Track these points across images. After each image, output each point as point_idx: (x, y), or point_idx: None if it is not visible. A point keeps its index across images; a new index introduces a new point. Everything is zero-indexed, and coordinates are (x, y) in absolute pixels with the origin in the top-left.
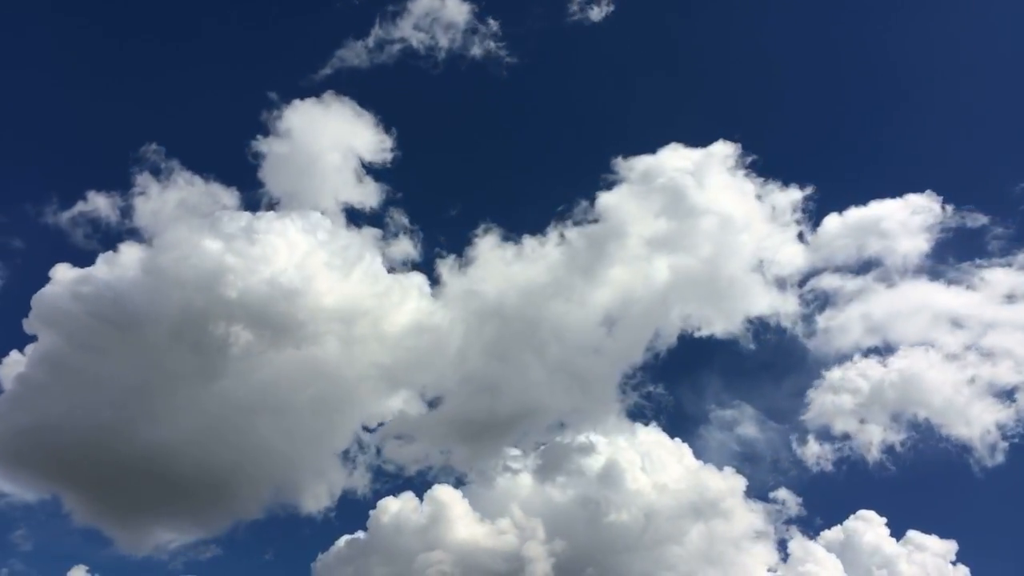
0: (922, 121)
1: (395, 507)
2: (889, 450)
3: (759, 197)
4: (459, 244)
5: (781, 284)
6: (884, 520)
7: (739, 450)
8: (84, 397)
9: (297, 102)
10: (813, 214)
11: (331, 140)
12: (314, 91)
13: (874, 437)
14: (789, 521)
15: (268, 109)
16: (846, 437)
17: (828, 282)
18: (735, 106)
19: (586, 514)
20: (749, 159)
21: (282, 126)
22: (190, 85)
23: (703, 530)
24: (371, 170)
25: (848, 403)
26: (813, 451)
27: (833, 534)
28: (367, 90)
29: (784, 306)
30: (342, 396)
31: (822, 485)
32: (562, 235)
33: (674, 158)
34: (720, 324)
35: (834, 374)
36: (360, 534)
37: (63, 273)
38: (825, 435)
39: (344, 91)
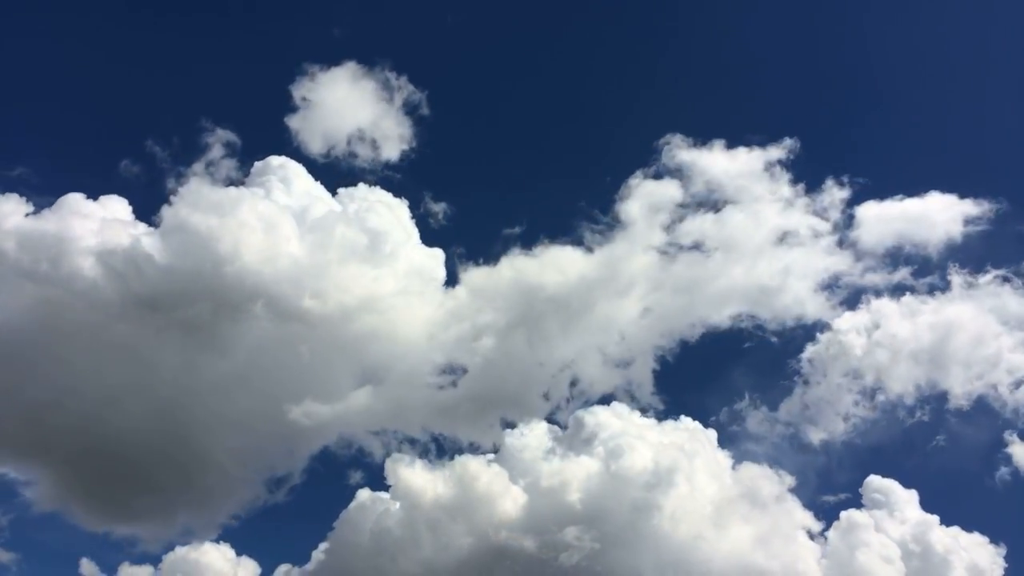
0: (978, 123)
1: (414, 470)
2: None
3: (807, 195)
4: (488, 233)
5: (821, 286)
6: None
7: (771, 444)
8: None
9: (324, 70)
10: (855, 213)
11: (355, 114)
12: (342, 58)
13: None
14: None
15: (293, 81)
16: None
17: (870, 284)
18: (789, 105)
19: (614, 495)
20: (799, 158)
21: (308, 99)
22: (219, 53)
23: (734, 518)
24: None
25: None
26: (846, 442)
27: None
28: (393, 60)
29: (823, 306)
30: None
31: (853, 468)
32: (598, 228)
33: (718, 156)
34: (757, 323)
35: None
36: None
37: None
38: (859, 427)
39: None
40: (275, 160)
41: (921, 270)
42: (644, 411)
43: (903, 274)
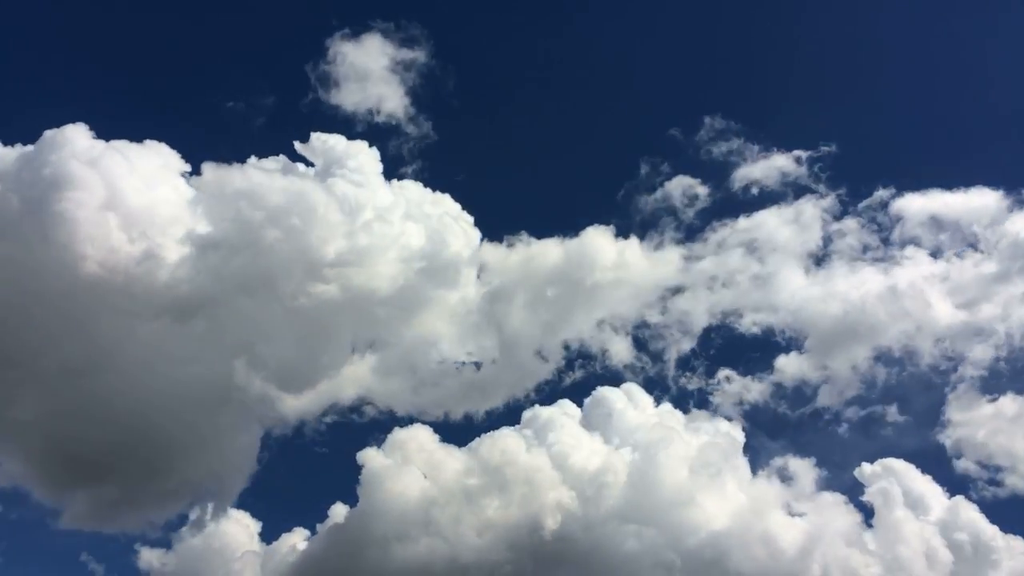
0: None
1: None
2: None
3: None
4: (510, 213)
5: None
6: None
7: (798, 436)
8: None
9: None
10: (895, 212)
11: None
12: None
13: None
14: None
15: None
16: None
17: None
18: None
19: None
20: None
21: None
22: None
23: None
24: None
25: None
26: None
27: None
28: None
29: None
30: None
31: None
32: (628, 218)
33: (756, 156)
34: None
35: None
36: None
37: None
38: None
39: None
40: (329, 139)
41: (963, 265)
42: (670, 401)
43: (944, 268)
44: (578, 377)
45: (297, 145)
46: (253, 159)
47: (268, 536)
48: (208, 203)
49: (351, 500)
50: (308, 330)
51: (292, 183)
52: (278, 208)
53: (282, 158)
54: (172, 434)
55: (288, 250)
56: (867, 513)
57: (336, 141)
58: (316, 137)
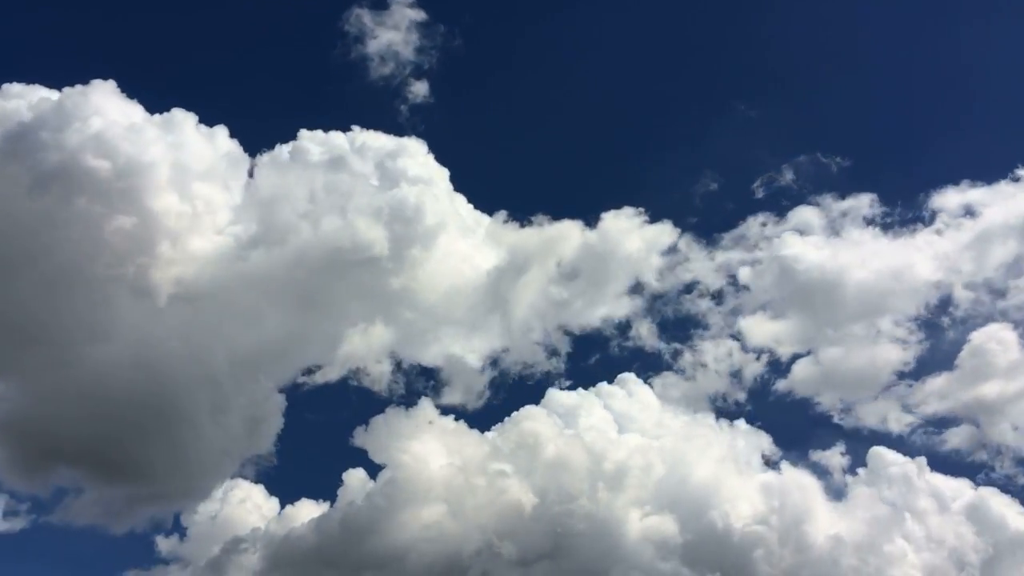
0: None
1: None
2: None
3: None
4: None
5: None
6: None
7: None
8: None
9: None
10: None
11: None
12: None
13: None
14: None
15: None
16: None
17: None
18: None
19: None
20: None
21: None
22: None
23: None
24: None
25: None
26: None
27: None
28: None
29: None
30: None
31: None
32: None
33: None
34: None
35: None
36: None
37: None
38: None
39: None
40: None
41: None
42: (686, 393)
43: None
44: (591, 364)
45: (337, 135)
46: (279, 145)
47: (283, 511)
48: (239, 189)
49: (366, 474)
50: (315, 313)
51: (332, 177)
52: (318, 201)
53: (316, 146)
54: (182, 423)
55: (314, 242)
56: (892, 501)
57: (380, 138)
58: (359, 134)
